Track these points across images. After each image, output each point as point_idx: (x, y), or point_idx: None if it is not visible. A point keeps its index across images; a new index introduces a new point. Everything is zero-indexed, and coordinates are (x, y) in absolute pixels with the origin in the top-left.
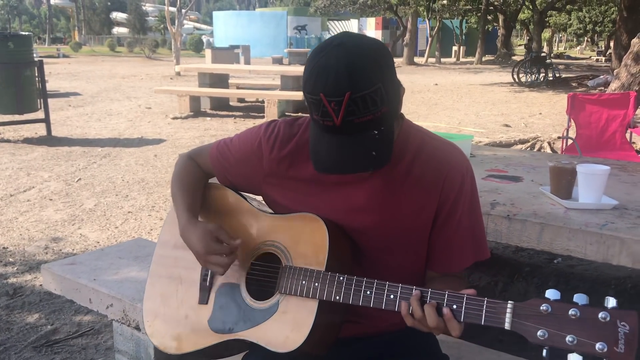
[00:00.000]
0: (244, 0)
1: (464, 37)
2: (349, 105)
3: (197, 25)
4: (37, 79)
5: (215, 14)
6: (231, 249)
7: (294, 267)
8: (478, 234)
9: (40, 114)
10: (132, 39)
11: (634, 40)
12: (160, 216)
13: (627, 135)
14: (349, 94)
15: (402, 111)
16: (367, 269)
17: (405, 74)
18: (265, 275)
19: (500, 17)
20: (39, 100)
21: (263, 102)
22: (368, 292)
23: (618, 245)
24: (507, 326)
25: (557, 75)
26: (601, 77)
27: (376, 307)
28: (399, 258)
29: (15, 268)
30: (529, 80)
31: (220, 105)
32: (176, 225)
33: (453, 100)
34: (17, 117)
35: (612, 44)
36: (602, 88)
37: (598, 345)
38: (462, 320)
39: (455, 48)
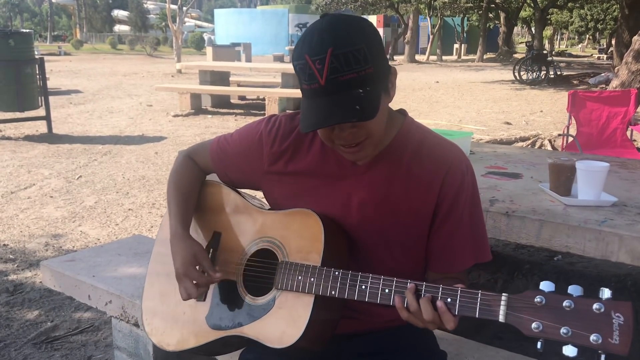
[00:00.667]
0: None
1: (465, 34)
2: (331, 61)
3: (199, 23)
4: (38, 76)
5: (217, 11)
6: (208, 281)
7: (290, 262)
8: (479, 235)
9: (41, 112)
10: (133, 36)
11: (635, 38)
12: (160, 213)
13: (628, 133)
14: (331, 50)
15: (403, 108)
16: (363, 267)
17: (406, 72)
18: (262, 271)
19: (502, 15)
20: (39, 97)
21: (264, 99)
22: (363, 287)
23: (617, 242)
24: (501, 319)
25: (559, 73)
26: (602, 74)
27: (371, 302)
28: (397, 256)
29: (16, 265)
30: (530, 78)
31: (221, 103)
32: None
33: (454, 98)
34: (18, 115)
35: (613, 41)
36: (604, 86)
37: (592, 337)
38: (456, 313)
39: (456, 46)
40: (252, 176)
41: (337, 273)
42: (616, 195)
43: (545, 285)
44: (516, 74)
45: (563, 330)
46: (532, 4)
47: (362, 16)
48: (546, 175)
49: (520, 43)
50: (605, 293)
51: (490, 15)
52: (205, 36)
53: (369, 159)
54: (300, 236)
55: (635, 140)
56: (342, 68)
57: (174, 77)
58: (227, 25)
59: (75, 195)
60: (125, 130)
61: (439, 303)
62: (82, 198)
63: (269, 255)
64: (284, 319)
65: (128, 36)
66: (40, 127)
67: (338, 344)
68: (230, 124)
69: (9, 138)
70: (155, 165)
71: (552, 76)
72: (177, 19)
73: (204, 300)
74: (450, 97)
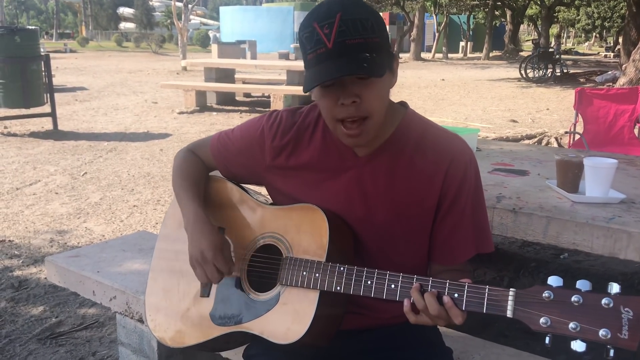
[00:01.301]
0: None
1: (471, 32)
2: (340, 25)
3: (204, 20)
4: (43, 73)
5: (222, 9)
6: (229, 270)
7: (295, 258)
8: (481, 226)
9: (46, 108)
10: (138, 34)
11: None
12: (165, 210)
13: (635, 131)
14: (340, 14)
15: (404, 101)
16: (368, 262)
17: (412, 70)
18: (266, 266)
19: (508, 13)
20: (45, 94)
21: (269, 97)
22: (369, 282)
23: (625, 239)
24: (509, 314)
25: (565, 71)
26: (609, 72)
27: (377, 297)
28: (401, 249)
29: (21, 261)
30: (537, 75)
31: (226, 100)
32: (176, 219)
33: (460, 96)
34: (23, 111)
35: (620, 39)
36: (611, 84)
37: (601, 332)
38: (464, 308)
39: (462, 43)
40: (254, 171)
41: (342, 268)
42: (624, 192)
43: (554, 280)
44: (522, 72)
45: (571, 325)
46: (538, 2)
47: None
48: (553, 172)
49: (526, 41)
50: (614, 288)
51: (497, 12)
52: (211, 34)
53: (371, 150)
54: (304, 231)
55: None
56: (350, 32)
57: (179, 74)
58: (232, 22)
59: (81, 192)
60: (130, 127)
61: (446, 298)
62: (87, 194)
63: (273, 251)
64: (289, 315)
65: (133, 34)
66: (46, 124)
67: (343, 340)
68: (235, 121)
69: (14, 134)
70: (160, 162)
71: (559, 74)
72: (183, 17)
73: (208, 296)
74: (456, 94)
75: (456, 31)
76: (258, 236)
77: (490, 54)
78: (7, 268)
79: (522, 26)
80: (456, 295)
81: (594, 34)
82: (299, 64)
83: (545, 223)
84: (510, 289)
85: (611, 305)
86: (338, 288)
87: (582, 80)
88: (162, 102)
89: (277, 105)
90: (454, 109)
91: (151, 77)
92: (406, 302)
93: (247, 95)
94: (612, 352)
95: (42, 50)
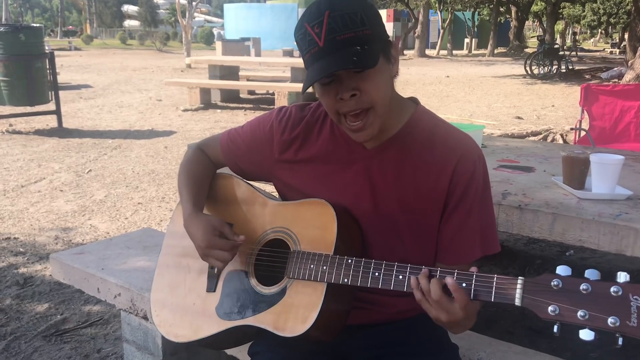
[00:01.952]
0: None
1: (476, 29)
2: (329, 23)
3: (208, 17)
4: (48, 70)
5: (226, 6)
6: (233, 245)
7: (302, 251)
8: (488, 226)
9: (51, 106)
10: (143, 31)
11: None
12: (170, 207)
13: None
14: (328, 12)
15: (415, 97)
16: (374, 257)
17: (416, 66)
18: (274, 261)
19: (513, 9)
20: (50, 92)
21: (273, 94)
22: (376, 274)
23: (632, 236)
24: (517, 302)
25: (570, 67)
26: (615, 69)
27: (385, 288)
28: (408, 246)
29: (26, 258)
30: (542, 72)
31: (231, 98)
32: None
33: (465, 93)
34: (28, 109)
35: (626, 35)
36: (616, 80)
37: (610, 320)
38: (472, 297)
39: (467, 40)
40: (263, 166)
41: (349, 261)
42: (631, 189)
43: (562, 270)
44: (527, 69)
45: (580, 313)
46: None
47: None
48: (559, 169)
49: (531, 37)
50: (623, 276)
51: (502, 9)
52: (215, 31)
53: (379, 143)
54: (312, 225)
55: None
56: (340, 28)
57: (183, 71)
58: (236, 20)
59: (85, 189)
60: (135, 125)
61: (449, 279)
62: (92, 192)
63: (281, 245)
64: (295, 308)
65: (138, 31)
66: (51, 122)
67: (349, 335)
68: (239, 119)
69: (19, 132)
70: (164, 160)
71: (564, 70)
72: (187, 14)
73: (214, 291)
74: (460, 91)
75: (461, 28)
76: (266, 231)
77: (495, 51)
78: (12, 265)
79: (527, 23)
80: (464, 284)
81: (600, 30)
82: None
83: (551, 220)
84: (519, 277)
85: (620, 293)
86: (345, 280)
87: (587, 76)
88: (166, 100)
89: (281, 102)
90: (458, 106)
91: (155, 75)
92: (413, 279)
93: (251, 92)
94: (620, 340)
95: (46, 48)
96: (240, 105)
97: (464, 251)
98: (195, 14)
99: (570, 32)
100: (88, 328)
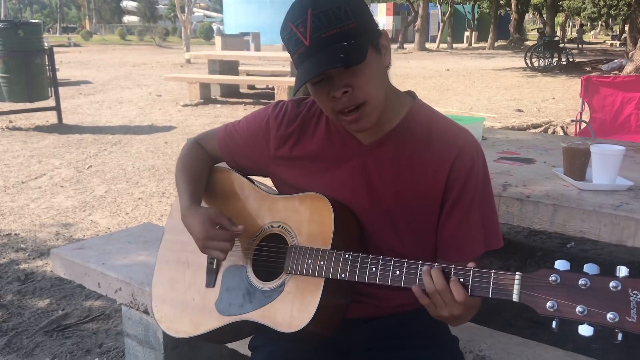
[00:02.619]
0: None
1: (476, 22)
2: (313, 21)
3: (207, 12)
4: (47, 67)
5: (225, 1)
6: (232, 235)
7: (300, 246)
8: (490, 221)
9: (51, 102)
10: (142, 27)
11: None
12: (170, 202)
13: None
14: (310, 10)
15: (412, 90)
16: (372, 252)
17: (416, 60)
18: (272, 256)
19: (513, 2)
20: (49, 88)
21: (273, 88)
22: (374, 269)
23: (633, 227)
24: (515, 298)
25: (571, 59)
26: (615, 60)
27: (382, 284)
28: (407, 242)
29: (27, 254)
30: (542, 65)
31: (230, 93)
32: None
33: (465, 86)
34: (28, 105)
35: (627, 27)
36: (617, 72)
37: (609, 315)
38: (469, 293)
39: (467, 33)
40: (259, 162)
41: (347, 256)
42: (632, 180)
43: (560, 264)
44: (528, 61)
45: (579, 309)
46: None
47: None
48: (560, 160)
49: (531, 30)
50: (622, 271)
51: (501, 2)
52: (214, 26)
53: (376, 138)
54: (310, 220)
55: None
56: (324, 25)
57: (183, 67)
58: (236, 14)
59: (86, 185)
60: (134, 120)
61: (448, 275)
62: (93, 187)
63: (279, 240)
64: (294, 303)
65: (137, 27)
66: (51, 118)
67: (349, 329)
68: (239, 114)
69: (19, 128)
70: (164, 155)
71: (564, 63)
72: (186, 9)
73: (214, 286)
74: (461, 84)
75: (461, 21)
76: (264, 226)
77: (495, 44)
78: (13, 261)
79: (527, 15)
80: (461, 280)
81: (600, 22)
82: None
83: (552, 211)
84: (516, 273)
85: (619, 288)
86: (343, 275)
87: (588, 69)
88: (166, 95)
89: (281, 96)
90: (459, 99)
91: (155, 70)
92: (415, 288)
93: (251, 87)
94: (620, 336)
95: (45, 44)
96: (240, 100)
97: (466, 247)
98: (195, 9)
99: (571, 24)
100: (89, 323)
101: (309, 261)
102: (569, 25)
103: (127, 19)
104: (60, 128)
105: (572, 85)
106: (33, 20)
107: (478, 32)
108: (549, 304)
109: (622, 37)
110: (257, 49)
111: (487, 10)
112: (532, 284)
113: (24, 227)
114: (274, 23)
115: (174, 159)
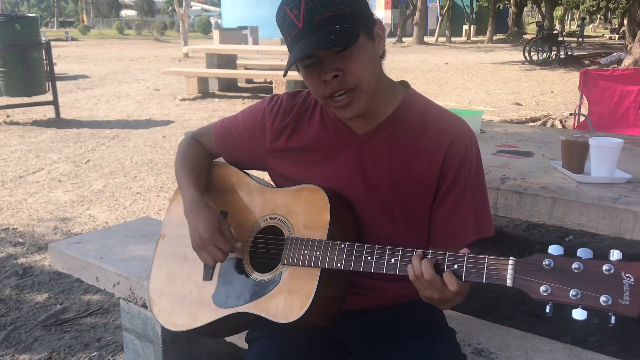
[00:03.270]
0: None
1: (474, 15)
2: (307, 3)
3: (205, 6)
4: (45, 61)
5: None
6: (231, 248)
7: (297, 237)
8: (482, 209)
9: (48, 96)
10: (140, 21)
11: None
12: (168, 197)
13: None
14: None
15: (405, 80)
16: (368, 241)
17: (415, 53)
18: (269, 248)
19: None
20: (47, 82)
21: (271, 82)
22: (369, 258)
23: (631, 219)
24: (508, 283)
25: (569, 53)
26: (614, 54)
27: (377, 272)
28: (402, 230)
29: (25, 248)
30: (541, 58)
31: (229, 87)
32: (180, 205)
33: (463, 79)
34: (25, 100)
35: (625, 21)
36: (615, 65)
37: (602, 298)
38: (463, 279)
39: (465, 27)
40: (255, 155)
41: (342, 246)
42: (630, 172)
43: (554, 249)
44: (526, 55)
45: (572, 292)
46: None
47: None
48: (558, 153)
49: (530, 24)
50: (615, 254)
51: None
52: (212, 20)
53: (370, 128)
54: (306, 211)
55: None
56: (317, 8)
57: (180, 61)
58: (233, 8)
59: (84, 179)
60: (132, 115)
61: (440, 261)
62: (90, 182)
63: (276, 232)
64: (290, 294)
65: (135, 21)
66: (48, 112)
67: (346, 320)
68: (237, 108)
69: (17, 123)
70: (163, 149)
71: (563, 56)
72: (184, 3)
73: (211, 279)
74: (459, 78)
75: (459, 14)
76: (260, 218)
77: (494, 37)
78: (11, 256)
79: (525, 8)
80: (456, 266)
81: (599, 15)
82: None
83: (550, 204)
84: (510, 258)
85: (612, 271)
86: (339, 265)
87: (586, 62)
88: (164, 89)
89: (280, 90)
90: (457, 93)
91: (153, 65)
92: (411, 274)
93: (249, 81)
94: (613, 319)
95: (43, 38)
96: (238, 94)
97: (457, 234)
98: (192, 3)
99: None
100: (88, 317)
101: (305, 252)
102: (567, 18)
103: (124, 13)
104: (57, 122)
105: (570, 79)
106: (30, 14)
107: (477, 25)
108: (542, 288)
109: (621, 31)
110: (255, 42)
111: (486, 4)
112: (526, 268)
113: (21, 222)
114: (272, 17)
115: (172, 153)
